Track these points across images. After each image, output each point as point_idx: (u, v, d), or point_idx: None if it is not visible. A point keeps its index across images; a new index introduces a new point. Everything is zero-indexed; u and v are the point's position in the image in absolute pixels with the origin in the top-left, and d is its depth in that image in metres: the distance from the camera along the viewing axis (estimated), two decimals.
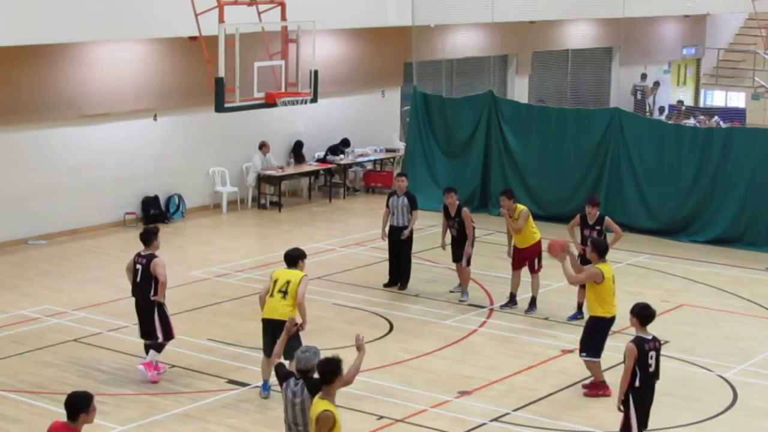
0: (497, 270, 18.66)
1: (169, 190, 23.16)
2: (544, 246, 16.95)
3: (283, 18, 18.93)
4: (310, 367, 9.13)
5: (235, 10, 18.44)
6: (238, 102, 18.35)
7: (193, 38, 20.03)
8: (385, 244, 18.14)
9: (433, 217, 20.27)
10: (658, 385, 11.00)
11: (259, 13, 19.24)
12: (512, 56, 31.67)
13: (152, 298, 13.55)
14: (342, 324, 16.15)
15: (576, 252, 15.54)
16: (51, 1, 18.96)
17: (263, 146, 24.42)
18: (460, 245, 17.32)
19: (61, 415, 8.49)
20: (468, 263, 17.29)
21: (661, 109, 34.65)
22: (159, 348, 13.78)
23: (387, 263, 18.23)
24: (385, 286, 18.08)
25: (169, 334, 13.75)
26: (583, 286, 14.98)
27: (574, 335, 13.91)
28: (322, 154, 26.16)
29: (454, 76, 30.37)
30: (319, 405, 8.77)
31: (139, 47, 22.10)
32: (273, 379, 11.83)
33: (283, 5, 18.93)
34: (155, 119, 22.80)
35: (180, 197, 23.27)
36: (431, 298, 17.58)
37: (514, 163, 23.65)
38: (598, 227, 16.20)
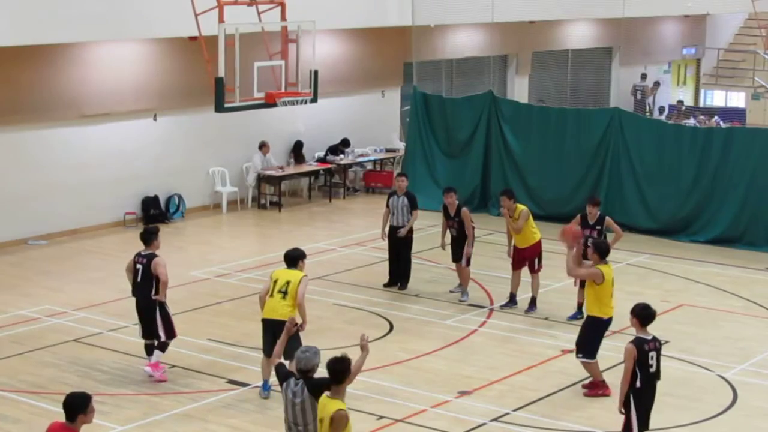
0: (497, 270, 18.66)
1: (169, 190, 23.17)
2: (545, 246, 17.03)
3: (283, 18, 18.92)
4: (310, 367, 9.13)
5: (234, 10, 18.44)
6: (238, 102, 18.34)
7: (193, 38, 20.02)
8: (385, 244, 18.14)
9: (433, 217, 20.27)
10: (659, 386, 11.00)
11: (259, 13, 19.24)
12: (512, 56, 31.67)
13: (154, 298, 13.55)
14: (342, 324, 16.15)
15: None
16: (51, 1, 18.97)
17: (263, 146, 24.42)
18: (459, 245, 17.32)
19: (60, 415, 8.48)
20: (468, 263, 17.29)
21: (661, 109, 34.66)
22: (163, 347, 13.79)
23: (387, 263, 18.23)
24: (385, 286, 18.08)
25: (171, 333, 13.77)
26: (582, 286, 14.99)
27: (574, 335, 13.90)
28: (322, 154, 26.17)
29: (454, 76, 30.38)
30: (331, 404, 8.75)
31: (139, 47, 22.10)
32: (273, 379, 11.84)
33: (283, 5, 18.93)
34: (155, 119, 22.80)
35: (180, 197, 23.28)
36: (431, 298, 17.58)
37: (514, 163, 23.65)
38: (598, 227, 16.18)
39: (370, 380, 13.44)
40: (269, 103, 18.64)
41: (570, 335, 15.21)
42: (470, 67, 30.64)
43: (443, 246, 17.90)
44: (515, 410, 12.98)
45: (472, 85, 29.48)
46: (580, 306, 16.03)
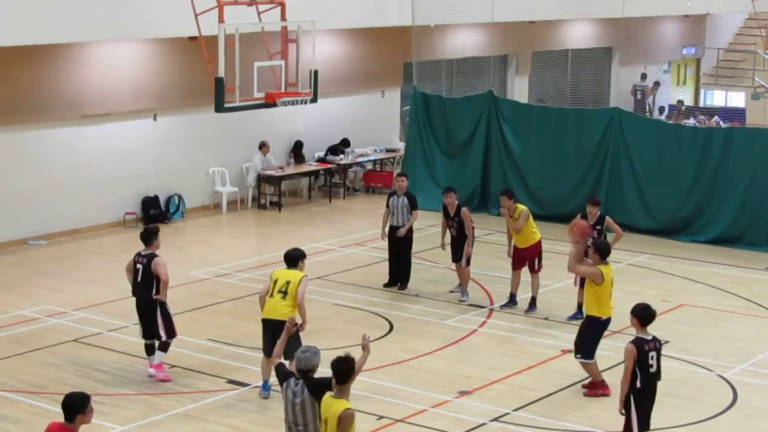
0: (497, 270, 18.66)
1: (169, 190, 23.17)
2: (545, 246, 17.03)
3: (283, 18, 18.92)
4: (311, 367, 9.13)
5: (234, 10, 18.44)
6: (238, 102, 18.34)
7: (193, 38, 20.02)
8: (385, 244, 18.13)
9: (433, 217, 20.26)
10: (659, 386, 10.99)
11: (259, 13, 19.24)
12: (512, 56, 31.67)
13: (154, 297, 13.55)
14: (342, 324, 16.15)
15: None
16: (51, 1, 18.97)
17: (263, 146, 24.42)
18: (459, 245, 17.31)
19: (60, 415, 8.48)
20: (468, 263, 17.29)
21: (661, 109, 34.66)
22: (165, 348, 13.79)
23: (387, 263, 18.23)
24: (385, 286, 18.08)
25: (171, 333, 13.77)
26: (582, 286, 14.99)
27: (573, 335, 13.88)
28: (322, 154, 26.17)
29: (454, 76, 30.38)
30: (336, 404, 8.75)
31: (139, 47, 22.10)
32: (273, 379, 11.84)
33: (283, 5, 18.93)
34: (155, 119, 22.80)
35: (180, 197, 23.28)
36: (431, 298, 17.58)
37: (514, 163, 23.65)
38: (598, 227, 16.18)
39: (370, 380, 13.43)
40: (269, 103, 18.64)
41: (570, 335, 15.19)
42: (470, 67, 30.64)
43: (443, 246, 17.90)
44: (515, 410, 12.98)
45: (472, 85, 29.48)
46: (580, 306, 16.01)
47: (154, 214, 22.51)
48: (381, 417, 12.59)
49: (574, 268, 13.55)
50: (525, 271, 16.90)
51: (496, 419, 12.71)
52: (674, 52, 37.09)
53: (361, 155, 26.53)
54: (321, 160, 25.93)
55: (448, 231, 17.56)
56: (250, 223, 23.43)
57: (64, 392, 8.78)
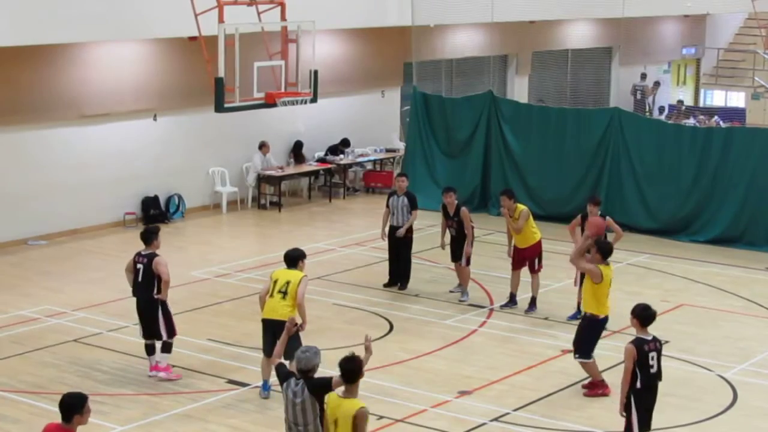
0: (497, 270, 18.65)
1: (169, 190, 23.17)
2: (545, 246, 17.02)
3: (283, 18, 18.93)
4: (311, 367, 9.14)
5: (234, 10, 18.44)
6: (238, 102, 18.35)
7: (193, 38, 20.02)
8: (385, 244, 18.13)
9: (433, 217, 20.26)
10: (659, 386, 10.99)
11: (258, 13, 19.24)
12: (512, 56, 31.67)
13: (156, 297, 13.56)
14: (342, 324, 16.15)
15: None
16: (51, 1, 18.96)
17: (263, 146, 24.42)
18: (459, 245, 17.31)
19: (60, 416, 8.49)
20: (467, 263, 17.29)
21: (661, 109, 34.67)
22: (169, 348, 13.79)
23: (387, 263, 18.23)
24: (385, 286, 18.08)
25: (172, 332, 13.78)
26: (582, 284, 14.99)
27: (573, 335, 13.89)
28: (322, 154, 26.17)
29: (454, 76, 30.38)
30: (347, 404, 8.76)
31: (139, 47, 22.10)
32: (273, 379, 11.84)
33: (282, 5, 18.93)
34: (155, 119, 22.80)
35: (180, 197, 23.28)
36: (431, 298, 17.58)
37: (514, 163, 23.65)
38: None
39: (370, 380, 13.39)
40: (269, 103, 18.65)
41: (570, 335, 15.17)
42: (470, 67, 30.64)
43: (443, 246, 17.90)
44: (515, 410, 12.98)
45: (472, 85, 29.48)
46: (579, 306, 16.01)
47: (154, 214, 22.51)
48: (381, 417, 12.59)
49: (577, 262, 13.58)
50: (525, 271, 16.90)
51: (496, 419, 12.71)
52: (674, 52, 37.09)
53: (361, 155, 26.53)
54: (321, 160, 25.93)
55: (447, 231, 17.57)
56: (250, 223, 23.43)
57: (64, 392, 8.77)
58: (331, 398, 8.92)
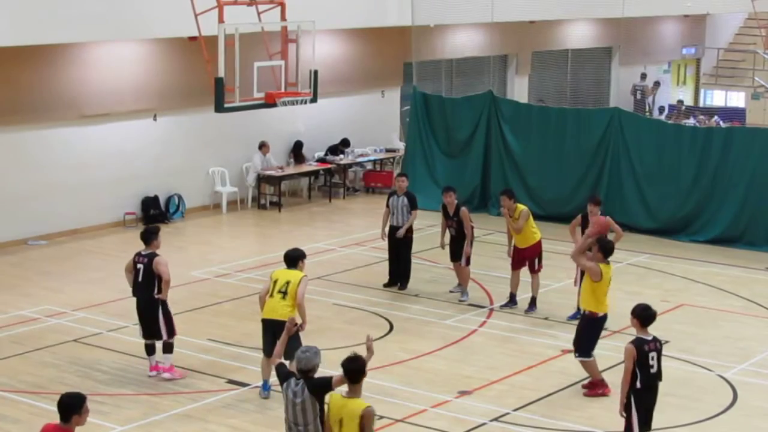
0: (497, 270, 18.65)
1: (169, 190, 23.17)
2: (545, 246, 17.02)
3: (283, 18, 18.93)
4: (311, 367, 9.13)
5: (234, 10, 18.44)
6: (238, 102, 18.35)
7: (192, 38, 20.02)
8: (385, 244, 18.13)
9: (433, 217, 20.26)
10: (659, 386, 10.99)
11: (258, 13, 19.24)
12: (512, 56, 31.67)
13: (156, 297, 13.55)
14: (342, 324, 16.15)
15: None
16: (51, 1, 18.97)
17: (263, 146, 24.42)
18: (458, 245, 17.31)
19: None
20: (467, 263, 17.29)
21: (661, 109, 34.67)
22: (170, 348, 13.79)
23: (387, 263, 18.23)
24: (385, 286, 18.08)
25: (172, 332, 13.78)
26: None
27: (573, 335, 13.90)
28: (322, 154, 26.17)
29: (453, 76, 30.38)
30: (354, 404, 8.76)
31: (139, 47, 22.10)
32: (273, 379, 11.84)
33: (282, 5, 18.94)
34: (155, 119, 22.80)
35: (180, 197, 23.28)
36: (431, 298, 17.58)
37: (514, 163, 23.65)
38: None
39: (370, 380, 13.26)
40: (269, 103, 18.65)
41: (570, 335, 15.17)
42: (470, 67, 30.64)
43: (443, 246, 17.90)
44: (515, 410, 12.98)
45: (471, 85, 29.48)
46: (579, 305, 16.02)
47: (154, 214, 22.51)
48: (381, 417, 12.56)
49: (578, 259, 13.58)
50: (525, 271, 16.90)
51: (496, 419, 12.71)
52: (674, 52, 37.10)
53: (361, 155, 26.53)
54: (321, 160, 25.93)
55: (447, 231, 17.56)
56: (250, 223, 23.43)
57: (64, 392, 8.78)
58: (335, 398, 8.92)
